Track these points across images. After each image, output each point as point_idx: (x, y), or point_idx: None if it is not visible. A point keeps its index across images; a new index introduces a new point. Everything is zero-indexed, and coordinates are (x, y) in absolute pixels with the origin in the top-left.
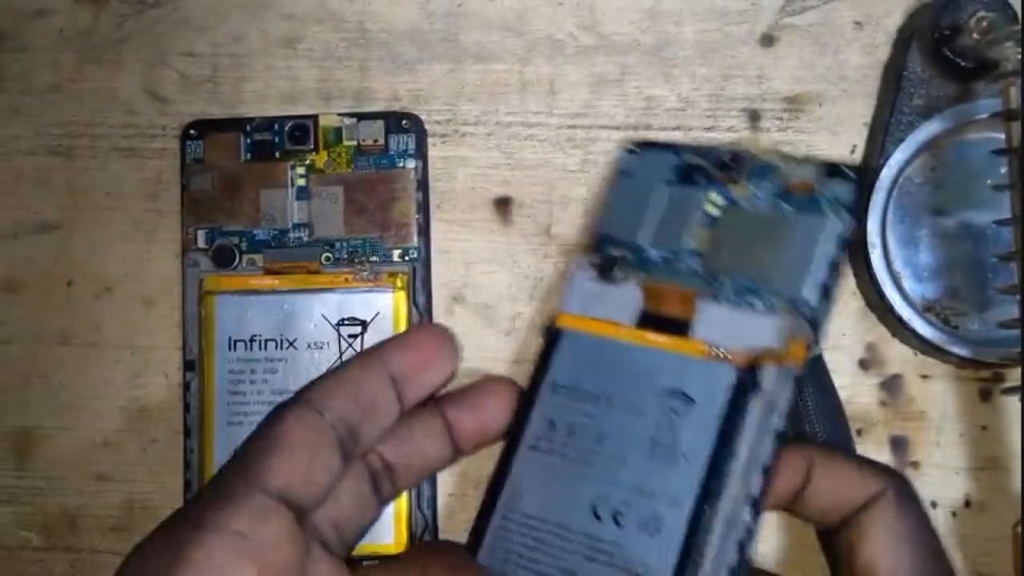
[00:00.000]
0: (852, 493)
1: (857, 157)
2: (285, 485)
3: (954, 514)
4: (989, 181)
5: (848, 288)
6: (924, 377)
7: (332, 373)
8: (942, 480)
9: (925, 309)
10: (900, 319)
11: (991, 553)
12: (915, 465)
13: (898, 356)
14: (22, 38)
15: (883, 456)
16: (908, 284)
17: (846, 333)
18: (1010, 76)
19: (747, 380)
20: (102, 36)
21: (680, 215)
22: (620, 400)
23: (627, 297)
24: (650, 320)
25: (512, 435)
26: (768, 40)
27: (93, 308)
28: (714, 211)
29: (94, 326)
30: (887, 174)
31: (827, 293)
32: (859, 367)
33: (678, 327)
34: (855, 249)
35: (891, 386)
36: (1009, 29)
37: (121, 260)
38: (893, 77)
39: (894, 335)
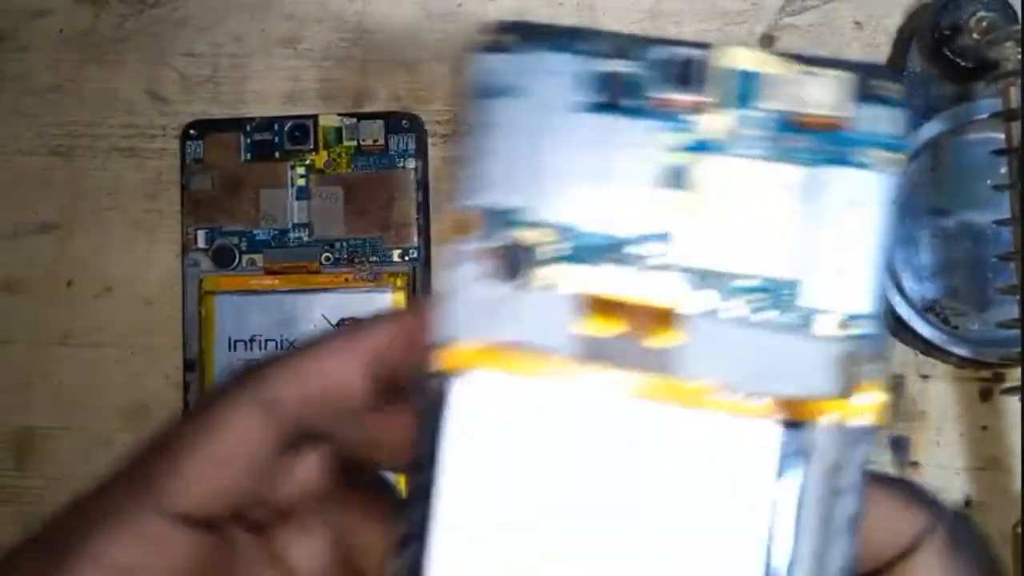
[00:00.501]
0: (889, 535)
1: None
2: (195, 506)
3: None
4: (989, 181)
5: None
6: (924, 377)
7: (296, 355)
8: (942, 480)
9: (925, 309)
10: (900, 319)
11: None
12: (915, 465)
13: (898, 356)
14: (22, 38)
15: (883, 456)
16: (908, 284)
17: None
18: (1010, 76)
19: (791, 443)
20: (102, 36)
21: (622, 169)
22: (569, 496)
23: (553, 310)
24: (603, 351)
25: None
26: (768, 40)
27: (93, 308)
28: (682, 161)
29: (94, 326)
30: None
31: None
32: None
33: (652, 359)
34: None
35: (892, 386)
36: (1009, 29)
37: (121, 260)
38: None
39: (894, 335)
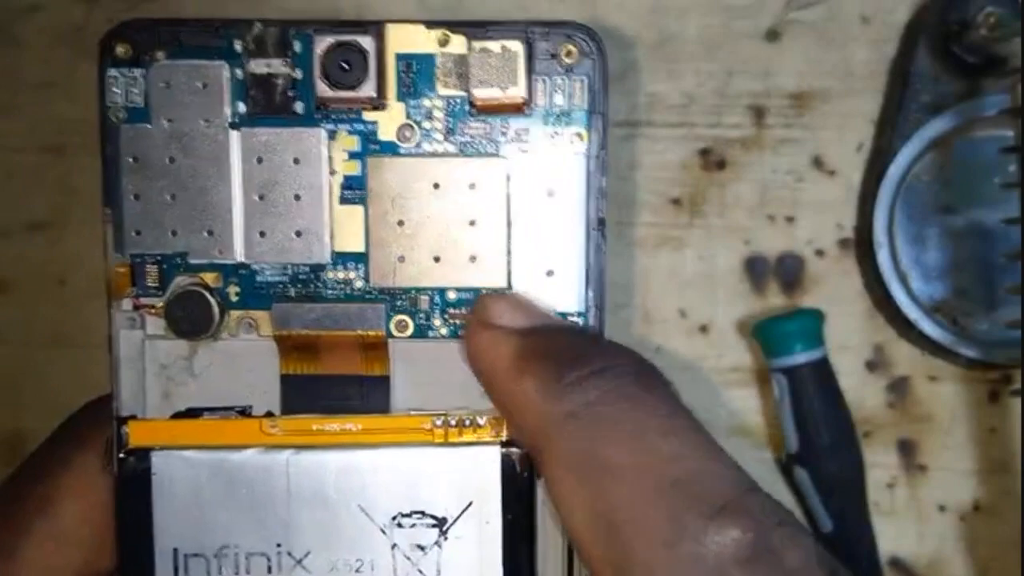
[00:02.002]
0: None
1: (864, 154)
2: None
3: (962, 518)
4: (997, 179)
5: (854, 288)
6: (932, 379)
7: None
8: (950, 483)
9: (933, 309)
10: (907, 320)
11: (1000, 558)
12: (923, 468)
13: (905, 357)
14: (13, 34)
15: (890, 459)
16: (915, 284)
17: (852, 334)
18: (1019, 72)
19: (523, 462)
20: (95, 32)
21: (291, 190)
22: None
23: (242, 360)
24: (306, 393)
25: None
26: (773, 35)
27: (86, 308)
28: (355, 170)
29: (87, 326)
30: (894, 172)
31: (601, 285)
32: (866, 369)
33: (365, 397)
34: (863, 248)
35: (898, 388)
36: (1018, 25)
37: None
38: (900, 73)
39: (901, 336)
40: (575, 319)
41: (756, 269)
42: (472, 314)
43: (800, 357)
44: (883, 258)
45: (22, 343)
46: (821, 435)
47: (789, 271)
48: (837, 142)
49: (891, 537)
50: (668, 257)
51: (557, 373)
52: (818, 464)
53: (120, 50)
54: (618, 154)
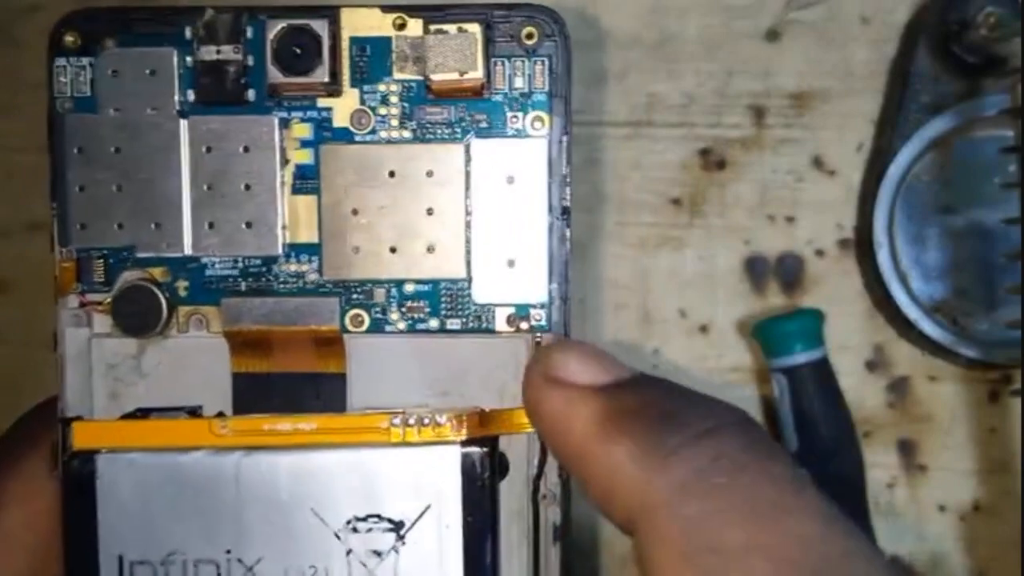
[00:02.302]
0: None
1: (864, 154)
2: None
3: (962, 518)
4: (997, 179)
5: (854, 288)
6: (932, 379)
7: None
8: (950, 483)
9: (933, 309)
10: (907, 320)
11: (1000, 558)
12: (923, 468)
13: (905, 357)
14: (13, 34)
15: (890, 459)
16: (915, 284)
17: (852, 334)
18: (1019, 72)
19: (485, 462)
20: None
21: (240, 176)
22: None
23: (194, 357)
24: (258, 392)
25: None
26: (773, 35)
27: None
28: (308, 158)
29: None
30: (894, 172)
31: (565, 277)
32: (866, 369)
33: (320, 395)
34: (863, 248)
35: (898, 388)
36: (1018, 25)
37: None
38: (900, 73)
39: (901, 336)
40: (537, 311)
41: (756, 269)
42: (535, 368)
43: (800, 357)
44: (883, 258)
45: (22, 343)
46: (821, 435)
47: (789, 271)
48: (837, 142)
49: (891, 537)
50: (668, 257)
51: (658, 437)
52: (818, 464)
53: (69, 39)
54: (618, 154)
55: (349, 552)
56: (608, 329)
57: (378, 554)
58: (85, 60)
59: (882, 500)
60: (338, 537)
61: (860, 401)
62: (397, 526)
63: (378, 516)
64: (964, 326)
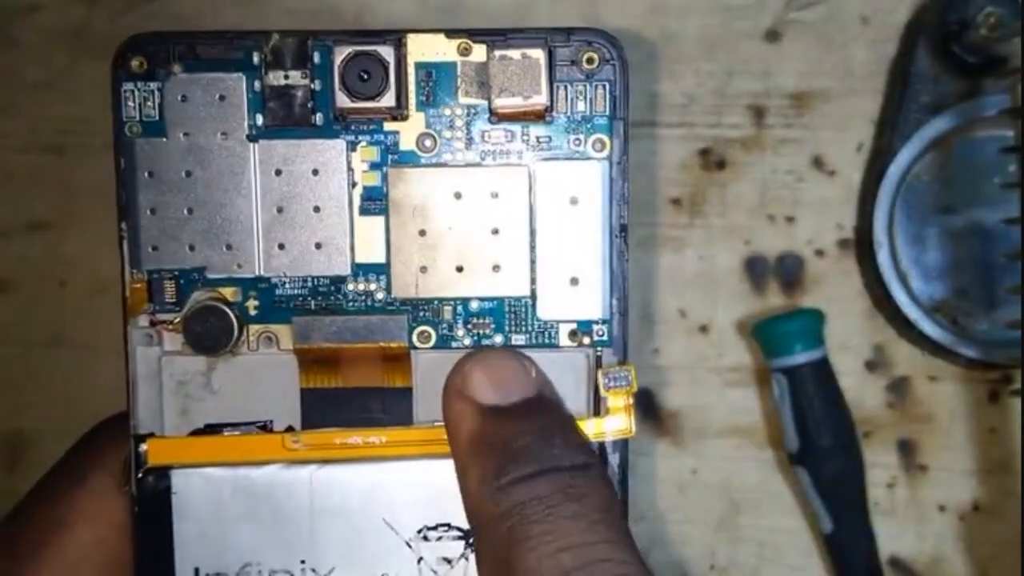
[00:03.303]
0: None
1: (864, 154)
2: None
3: (962, 518)
4: (997, 179)
5: (854, 288)
6: (932, 379)
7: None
8: (950, 483)
9: (933, 309)
10: (907, 320)
11: (1000, 557)
12: (923, 468)
13: (906, 357)
14: (13, 34)
15: (890, 459)
16: (915, 284)
17: (852, 334)
18: (1019, 72)
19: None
20: (95, 32)
21: (310, 199)
22: None
23: (264, 375)
24: (327, 407)
25: None
26: (773, 35)
27: (87, 308)
28: (376, 181)
29: (88, 327)
30: (894, 171)
31: (624, 292)
32: (866, 369)
33: (388, 409)
34: (863, 248)
35: (898, 388)
36: (1018, 25)
37: (115, 260)
38: (900, 73)
39: (901, 336)
40: (599, 326)
41: (756, 269)
42: (449, 376)
43: (800, 357)
44: (883, 258)
45: (22, 343)
46: (821, 435)
47: (789, 271)
48: (837, 142)
49: (891, 537)
50: (668, 257)
51: (498, 469)
52: (818, 464)
53: (135, 63)
54: None
55: (420, 560)
56: None
57: (448, 561)
58: (152, 85)
59: (882, 500)
60: (409, 546)
61: (860, 401)
62: (466, 534)
63: (448, 524)
64: (964, 326)
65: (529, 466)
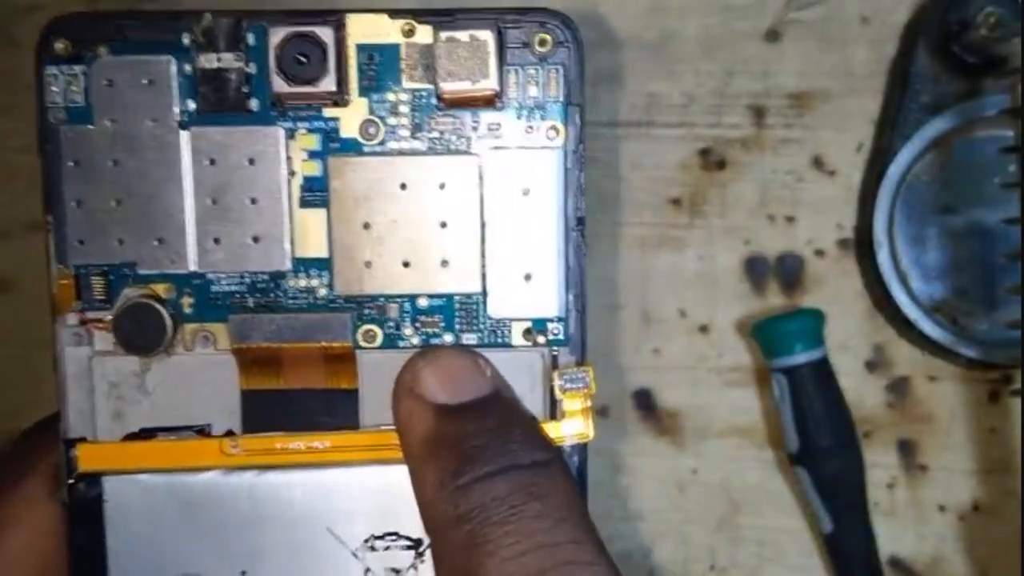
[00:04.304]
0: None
1: (864, 154)
2: None
3: (962, 518)
4: (997, 179)
5: (854, 288)
6: (932, 379)
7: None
8: (950, 483)
9: (933, 309)
10: (907, 320)
11: (1000, 558)
12: (923, 468)
13: (905, 357)
14: (13, 34)
15: (890, 459)
16: (915, 284)
17: (852, 334)
18: (1019, 72)
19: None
20: None
21: (246, 192)
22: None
23: (200, 376)
24: (269, 410)
25: None
26: (773, 35)
27: None
28: (316, 171)
29: None
30: (894, 172)
31: (581, 288)
32: (866, 369)
33: (332, 412)
34: (863, 248)
35: (898, 388)
36: (1018, 25)
37: None
38: (900, 73)
39: (901, 336)
40: (555, 325)
41: (756, 269)
42: (400, 374)
43: (800, 357)
44: (883, 258)
45: (22, 343)
46: (821, 435)
47: (789, 271)
48: (837, 142)
49: (891, 537)
50: (668, 257)
51: (455, 469)
52: (818, 464)
53: (59, 46)
54: (618, 154)
55: (367, 571)
56: (609, 329)
57: (396, 572)
58: (77, 68)
59: (882, 500)
60: (356, 556)
61: (860, 401)
62: (415, 543)
63: (396, 534)
64: (964, 326)
65: (487, 465)
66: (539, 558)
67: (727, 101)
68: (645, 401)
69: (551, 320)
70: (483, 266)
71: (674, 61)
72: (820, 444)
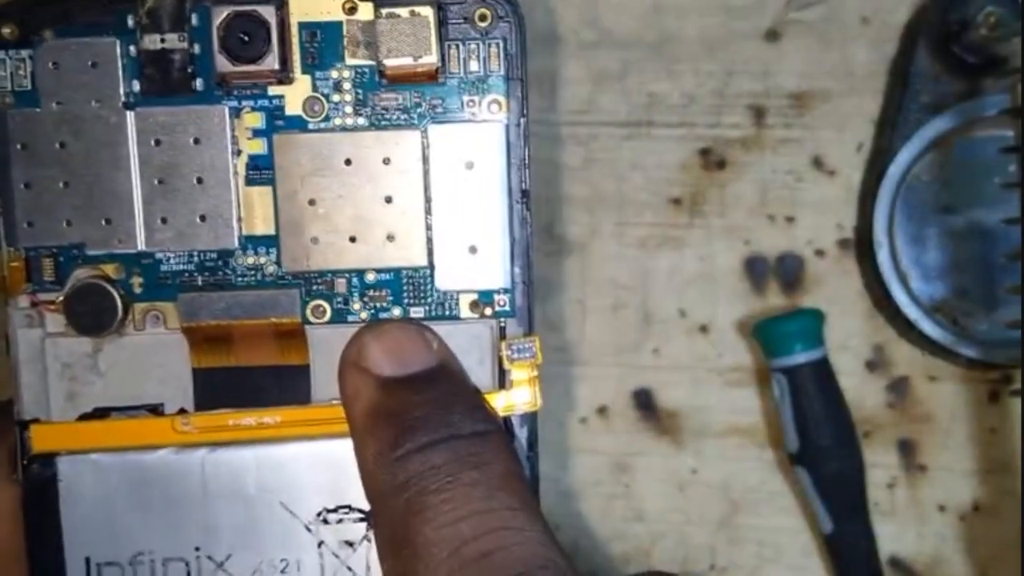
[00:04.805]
0: None
1: (864, 154)
2: None
3: (962, 518)
4: (997, 179)
5: (854, 288)
6: (932, 379)
7: None
8: (950, 483)
9: (933, 309)
10: (907, 320)
11: (1000, 558)
12: (923, 468)
13: (905, 357)
14: None
15: (890, 459)
16: (915, 284)
17: (853, 334)
18: (1019, 72)
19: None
20: None
21: (193, 169)
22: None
23: (152, 355)
24: (220, 387)
25: None
26: (773, 35)
27: None
28: (261, 148)
29: None
30: (894, 172)
31: (527, 260)
32: (866, 369)
33: (284, 388)
34: (863, 248)
35: (898, 388)
36: (1018, 25)
37: None
38: (900, 73)
39: (901, 336)
40: (501, 296)
41: (756, 269)
42: (346, 347)
43: (800, 357)
44: (883, 258)
45: None
46: (821, 435)
47: (789, 271)
48: (837, 142)
49: (891, 537)
50: (668, 257)
51: (395, 441)
52: (818, 464)
53: (6, 31)
54: (618, 154)
55: (321, 544)
56: (608, 329)
57: (350, 544)
58: (24, 53)
59: (882, 500)
60: (309, 529)
61: (860, 401)
62: (367, 516)
63: (348, 507)
64: (964, 326)
65: (426, 435)
66: (472, 525)
67: (727, 101)
68: (645, 401)
69: (498, 292)
70: (429, 240)
71: (674, 61)
72: (820, 444)
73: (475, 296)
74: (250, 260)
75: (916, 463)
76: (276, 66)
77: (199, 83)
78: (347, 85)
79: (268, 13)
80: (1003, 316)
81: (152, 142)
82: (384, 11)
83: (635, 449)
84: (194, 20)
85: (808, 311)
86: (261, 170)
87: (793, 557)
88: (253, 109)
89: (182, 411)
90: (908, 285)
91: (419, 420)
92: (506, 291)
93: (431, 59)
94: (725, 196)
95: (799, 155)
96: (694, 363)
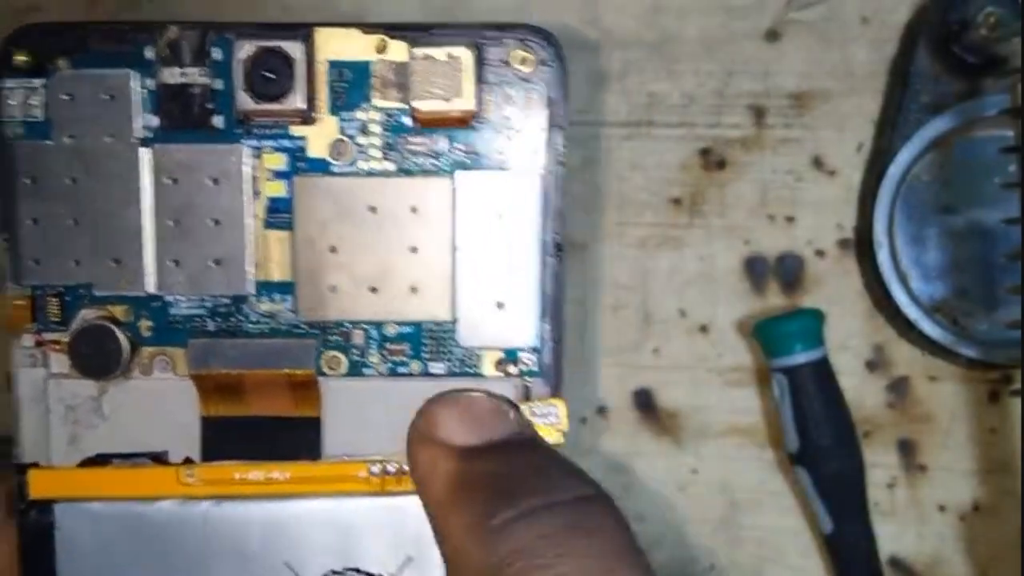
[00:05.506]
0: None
1: (864, 154)
2: None
3: (962, 518)
4: (997, 179)
5: (854, 288)
6: (932, 379)
7: None
8: (950, 483)
9: (933, 309)
10: (907, 320)
11: (1000, 558)
12: (922, 468)
13: (905, 357)
14: None
15: (890, 459)
16: (915, 284)
17: (853, 334)
18: (1019, 72)
19: None
20: None
21: (209, 212)
22: None
23: (158, 402)
24: (229, 437)
25: None
26: (773, 35)
27: None
28: (282, 191)
29: None
30: (894, 172)
31: (558, 317)
32: (866, 369)
33: (294, 441)
34: (863, 248)
35: (898, 388)
36: (1018, 25)
37: None
38: (900, 73)
39: (901, 336)
40: (528, 355)
41: (756, 269)
42: (414, 421)
43: (800, 357)
44: (883, 258)
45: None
46: (821, 435)
47: (789, 271)
48: (837, 142)
49: (891, 537)
50: (668, 257)
51: (487, 511)
52: (818, 464)
53: (19, 58)
54: (618, 154)
55: None
56: (608, 329)
57: None
58: (37, 82)
59: (882, 500)
60: None
61: (860, 401)
62: None
63: (356, 569)
64: (964, 326)
65: (526, 501)
66: None
67: (727, 101)
68: (645, 401)
69: (524, 350)
70: (453, 293)
71: (674, 61)
72: (820, 444)
73: (500, 354)
74: (265, 307)
75: (916, 463)
76: (301, 105)
77: (219, 120)
78: (375, 128)
79: (295, 49)
80: (1003, 316)
81: (168, 180)
82: (418, 51)
83: (635, 449)
84: (216, 54)
85: (808, 311)
86: (281, 214)
87: (793, 557)
88: (275, 150)
89: (187, 460)
90: (908, 285)
91: (513, 486)
92: (534, 350)
93: (466, 103)
94: (725, 196)
95: (799, 155)
96: (694, 363)
